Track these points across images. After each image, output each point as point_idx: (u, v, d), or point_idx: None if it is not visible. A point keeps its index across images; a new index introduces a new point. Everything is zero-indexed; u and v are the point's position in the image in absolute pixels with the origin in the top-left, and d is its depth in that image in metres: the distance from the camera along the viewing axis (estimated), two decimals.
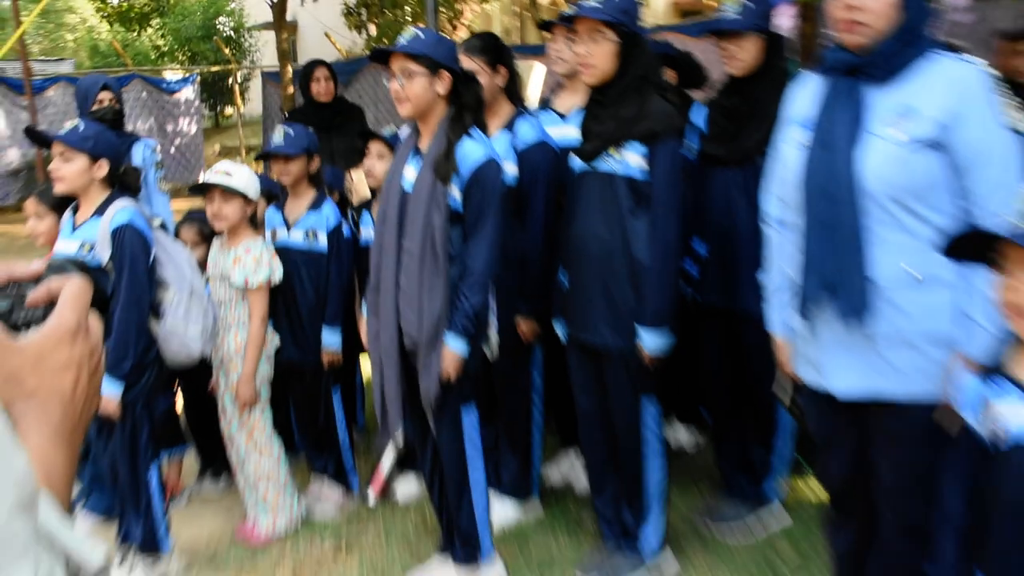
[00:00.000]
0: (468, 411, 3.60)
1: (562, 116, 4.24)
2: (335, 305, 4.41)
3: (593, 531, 4.00)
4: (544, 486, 4.56)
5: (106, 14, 23.85)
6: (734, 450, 4.21)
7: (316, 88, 6.73)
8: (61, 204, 3.95)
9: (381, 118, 11.30)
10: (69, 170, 3.73)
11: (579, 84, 3.90)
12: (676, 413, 4.96)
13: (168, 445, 4.59)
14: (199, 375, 4.49)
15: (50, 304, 0.94)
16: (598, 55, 3.41)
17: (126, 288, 3.69)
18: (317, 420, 4.59)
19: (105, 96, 5.39)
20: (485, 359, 3.73)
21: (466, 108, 3.48)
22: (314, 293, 4.38)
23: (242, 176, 4.12)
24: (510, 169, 3.90)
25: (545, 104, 4.50)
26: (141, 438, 3.85)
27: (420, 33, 3.47)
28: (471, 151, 3.39)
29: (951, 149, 2.53)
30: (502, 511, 4.26)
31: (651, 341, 3.42)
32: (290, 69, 13.36)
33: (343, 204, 4.59)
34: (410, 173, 3.50)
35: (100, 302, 1.01)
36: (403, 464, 4.63)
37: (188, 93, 15.93)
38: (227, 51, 21.16)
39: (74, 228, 3.79)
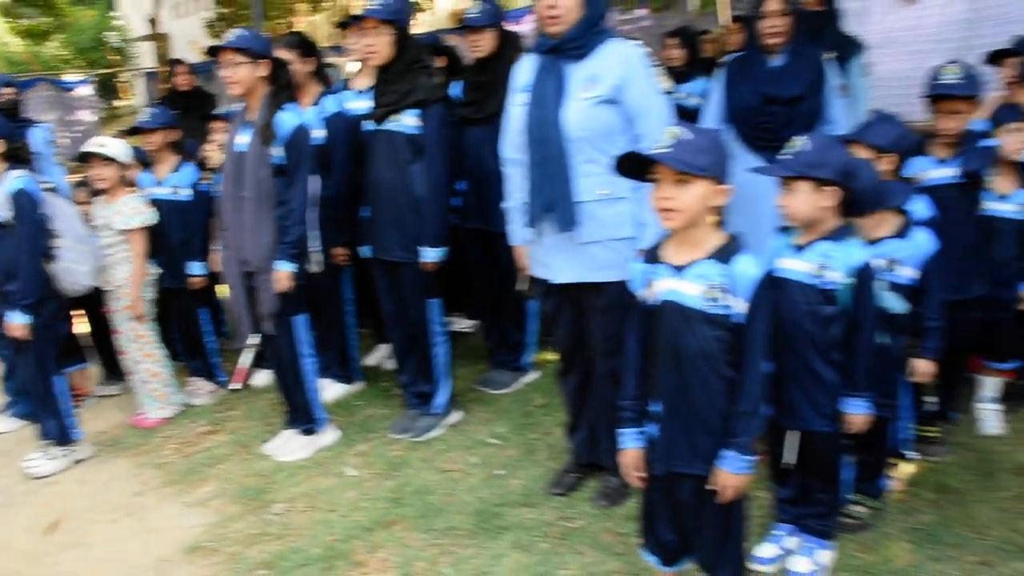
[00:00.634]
0: (299, 317, 3.76)
1: (360, 92, 4.35)
2: (198, 242, 4.51)
3: (401, 400, 4.23)
4: (364, 369, 4.76)
5: (17, 31, 26.04)
6: (497, 333, 4.52)
7: (177, 80, 7.29)
8: None
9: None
10: None
11: (369, 68, 4.05)
12: (455, 307, 5.15)
13: (71, 359, 4.57)
14: (97, 303, 4.57)
15: None
16: (380, 45, 3.59)
17: (25, 239, 3.76)
18: (190, 331, 4.72)
19: (8, 91, 5.79)
20: (310, 276, 3.87)
21: (282, 87, 3.61)
22: (181, 233, 4.47)
23: (114, 146, 4.24)
24: (318, 134, 4.02)
25: (345, 84, 4.62)
26: (47, 355, 3.92)
27: (242, 32, 3.57)
28: (287, 120, 3.54)
29: (624, 104, 2.87)
30: (333, 391, 4.46)
31: (431, 255, 3.68)
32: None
33: (201, 166, 4.66)
34: (242, 139, 3.61)
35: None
36: (258, 360, 4.77)
37: (86, 91, 15.99)
38: (116, 57, 21.91)
39: None
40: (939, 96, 3.17)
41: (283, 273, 3.56)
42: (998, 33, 9.00)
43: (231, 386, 4.77)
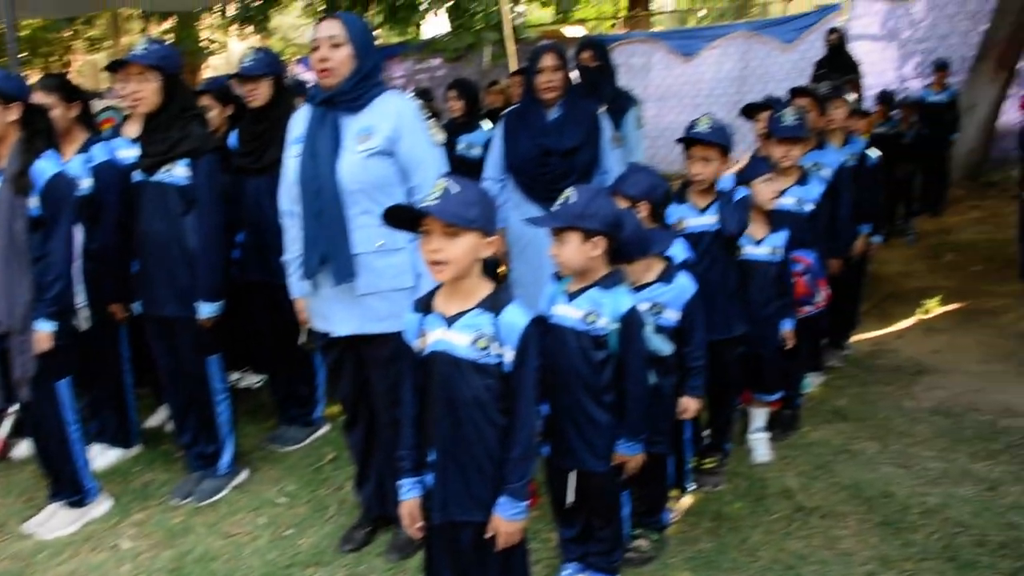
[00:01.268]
0: (61, 382, 3.51)
1: (133, 140, 4.14)
2: None
3: (183, 463, 4.02)
4: (144, 432, 4.47)
5: None
6: (285, 387, 4.41)
7: None
8: None
9: None
10: None
11: (138, 115, 3.88)
12: (241, 362, 5.00)
13: None
14: None
15: None
16: (146, 91, 3.44)
17: None
18: None
19: None
20: (80, 334, 3.62)
21: (36, 133, 3.38)
22: None
23: None
24: (85, 183, 3.80)
25: (116, 131, 4.40)
26: None
27: None
28: (44, 168, 3.32)
29: (398, 156, 2.91)
30: (108, 457, 4.17)
31: (207, 310, 3.54)
32: None
33: None
34: None
35: None
36: (17, 429, 4.37)
37: None
38: None
39: None
40: (692, 142, 3.41)
41: (42, 334, 3.31)
42: (763, 88, 9.94)
43: None
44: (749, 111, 4.56)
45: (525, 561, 2.46)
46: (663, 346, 2.97)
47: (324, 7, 11.50)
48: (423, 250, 2.23)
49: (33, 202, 3.29)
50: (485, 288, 2.29)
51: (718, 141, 3.35)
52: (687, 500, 3.53)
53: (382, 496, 3.30)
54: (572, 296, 2.71)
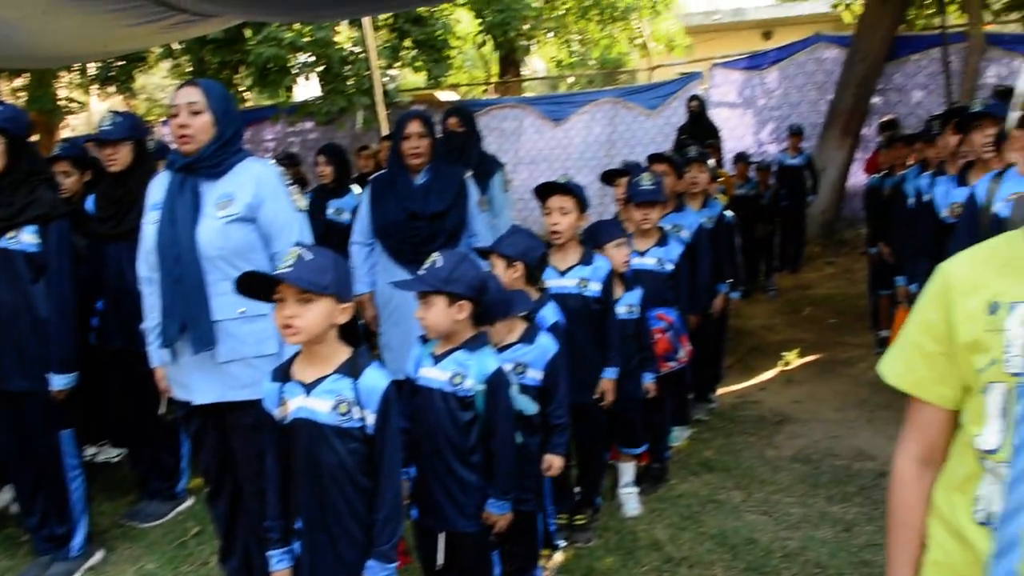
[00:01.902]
0: None
1: None
2: None
3: (30, 548, 3.80)
4: None
5: None
6: (147, 460, 4.26)
7: None
8: None
9: None
10: None
11: None
12: (99, 435, 4.82)
13: None
14: None
15: None
16: None
17: None
18: None
19: None
20: None
21: None
22: None
23: None
24: None
25: None
26: None
27: None
28: None
29: (259, 223, 2.91)
30: None
31: (60, 382, 3.41)
32: None
33: None
34: None
35: None
36: None
37: None
38: None
39: None
40: (548, 193, 3.53)
41: None
42: (630, 152, 10.36)
43: None
44: (608, 177, 4.75)
45: None
46: (528, 405, 3.03)
47: (191, 68, 11.37)
48: (277, 316, 2.25)
49: None
50: (343, 353, 2.31)
51: (574, 190, 3.49)
52: (559, 557, 3.58)
53: (248, 569, 3.22)
54: (438, 358, 2.76)
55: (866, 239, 7.04)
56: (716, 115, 10.46)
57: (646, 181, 4.05)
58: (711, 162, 5.63)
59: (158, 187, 3.02)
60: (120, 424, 4.34)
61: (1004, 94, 5.73)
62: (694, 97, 9.70)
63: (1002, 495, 1.36)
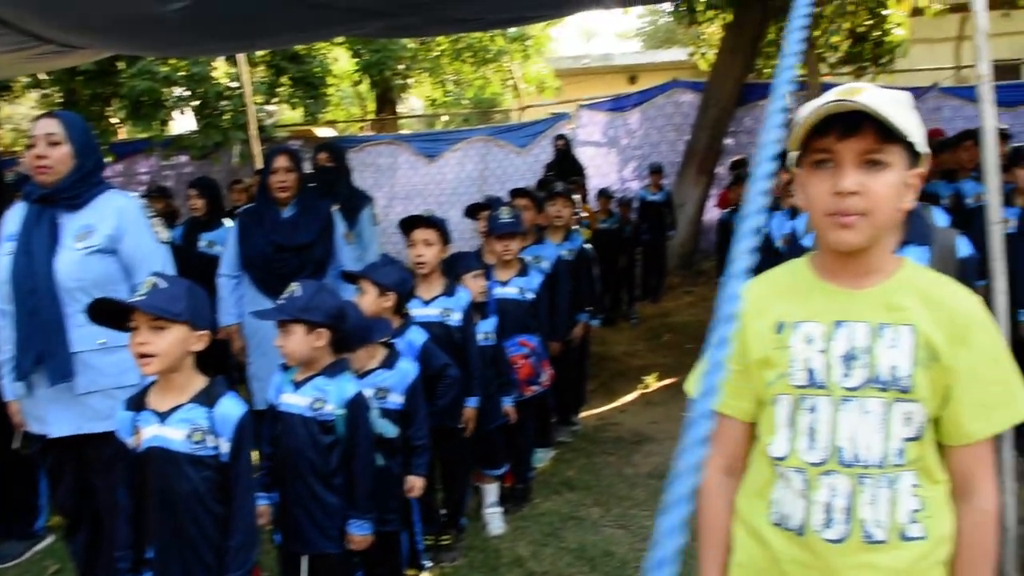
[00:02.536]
0: None
1: None
2: None
3: None
4: None
5: None
6: (2, 496, 4.06)
7: None
8: None
9: None
10: None
11: None
12: None
13: None
14: None
15: None
16: None
17: None
18: None
19: None
20: None
21: None
22: None
23: None
24: None
25: None
26: None
27: None
28: None
29: (120, 254, 2.88)
30: None
31: None
32: None
33: None
34: None
35: None
36: None
37: None
38: None
39: None
40: (412, 226, 3.62)
41: None
42: (502, 188, 10.52)
43: None
44: (471, 211, 4.87)
45: None
46: (388, 429, 3.08)
47: (61, 100, 10.96)
48: (131, 344, 2.24)
49: None
50: (199, 382, 2.32)
51: (437, 223, 3.59)
52: None
53: None
54: (299, 384, 2.78)
55: (718, 270, 7.34)
56: (582, 153, 10.78)
57: (505, 215, 4.18)
58: (574, 197, 5.83)
59: (13, 218, 2.95)
60: None
61: None
62: (560, 136, 9.99)
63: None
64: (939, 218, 2.48)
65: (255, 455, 2.45)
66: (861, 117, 1.36)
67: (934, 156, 6.56)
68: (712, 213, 10.49)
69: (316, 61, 11.56)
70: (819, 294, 1.50)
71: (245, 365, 4.25)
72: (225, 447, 2.26)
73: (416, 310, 3.56)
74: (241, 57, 7.83)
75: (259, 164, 7.83)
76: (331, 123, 15.55)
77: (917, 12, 11.94)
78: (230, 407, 2.28)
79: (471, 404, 3.67)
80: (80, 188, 2.88)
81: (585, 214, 7.61)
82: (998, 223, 2.65)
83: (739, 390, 1.57)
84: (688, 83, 11.59)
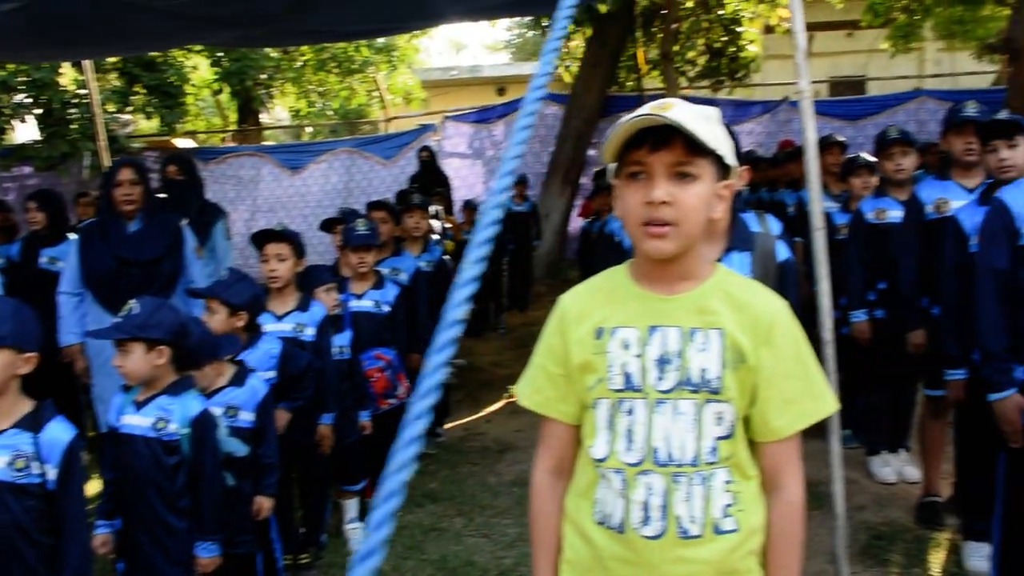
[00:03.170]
0: None
1: None
2: None
3: None
4: None
5: None
6: None
7: None
8: None
9: None
10: None
11: None
12: None
13: None
14: None
15: None
16: None
17: None
18: None
19: None
20: None
21: None
22: None
23: None
24: None
25: None
26: None
27: None
28: None
29: None
30: None
31: None
32: None
33: None
34: None
35: None
36: None
37: None
38: None
39: None
40: (265, 241, 3.59)
41: None
42: (367, 199, 10.40)
43: None
44: (327, 225, 4.83)
45: None
46: (238, 447, 3.02)
47: None
48: None
49: None
50: (25, 406, 2.22)
51: (289, 237, 3.55)
52: None
53: None
54: (140, 405, 2.70)
55: (580, 278, 7.44)
56: (448, 165, 10.83)
57: (360, 227, 4.16)
58: (433, 208, 5.85)
59: None
60: None
61: None
62: (424, 148, 10.01)
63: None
64: (773, 226, 2.61)
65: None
66: (671, 131, 1.43)
67: (782, 166, 6.96)
68: (577, 223, 10.72)
69: (172, 69, 11.19)
70: (636, 300, 1.57)
71: (89, 387, 4.08)
72: (52, 474, 2.16)
73: (269, 325, 3.51)
74: (87, 63, 7.48)
75: None
76: (191, 134, 15.07)
77: (769, 30, 12.59)
78: (58, 432, 2.18)
79: (326, 421, 3.64)
80: None
81: (449, 225, 7.64)
82: (820, 229, 2.83)
83: (563, 394, 1.63)
84: (552, 95, 11.81)
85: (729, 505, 1.52)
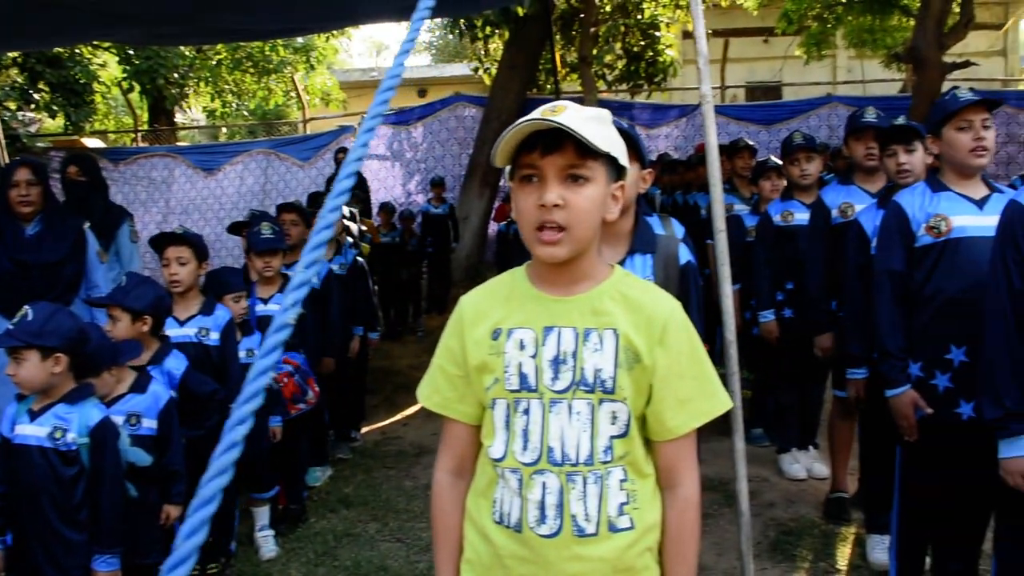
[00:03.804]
0: None
1: None
2: None
3: None
4: None
5: None
6: None
7: None
8: None
9: None
10: None
11: None
12: None
13: None
14: None
15: None
16: None
17: None
18: None
19: None
20: None
21: None
22: None
23: None
24: None
25: None
26: None
27: None
28: None
29: None
30: None
31: None
32: None
33: None
34: None
35: None
36: None
37: None
38: None
39: None
40: (165, 244, 3.53)
41: None
42: (284, 201, 10.31)
43: None
44: (234, 228, 4.75)
45: None
46: (141, 457, 2.95)
47: None
48: None
49: None
50: None
51: (190, 240, 3.49)
52: None
53: None
54: (36, 414, 2.62)
55: None
56: (367, 167, 10.75)
57: (265, 231, 4.10)
58: (348, 210, 5.80)
59: None
60: None
61: None
62: (341, 149, 9.92)
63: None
64: (677, 229, 2.67)
65: None
66: (563, 135, 1.45)
67: (696, 169, 7.11)
68: (497, 225, 10.76)
69: (79, 66, 10.85)
70: (532, 301, 1.60)
71: None
72: None
73: (171, 331, 3.43)
74: None
75: None
76: (100, 133, 14.63)
77: (687, 35, 12.82)
78: None
79: None
80: None
81: (365, 228, 7.59)
82: (722, 231, 2.91)
83: (462, 395, 1.64)
84: (471, 97, 11.84)
85: (625, 503, 1.55)
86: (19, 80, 10.46)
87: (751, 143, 6.14)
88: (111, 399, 2.90)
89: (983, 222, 2.75)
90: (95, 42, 10.13)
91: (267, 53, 14.26)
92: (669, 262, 2.42)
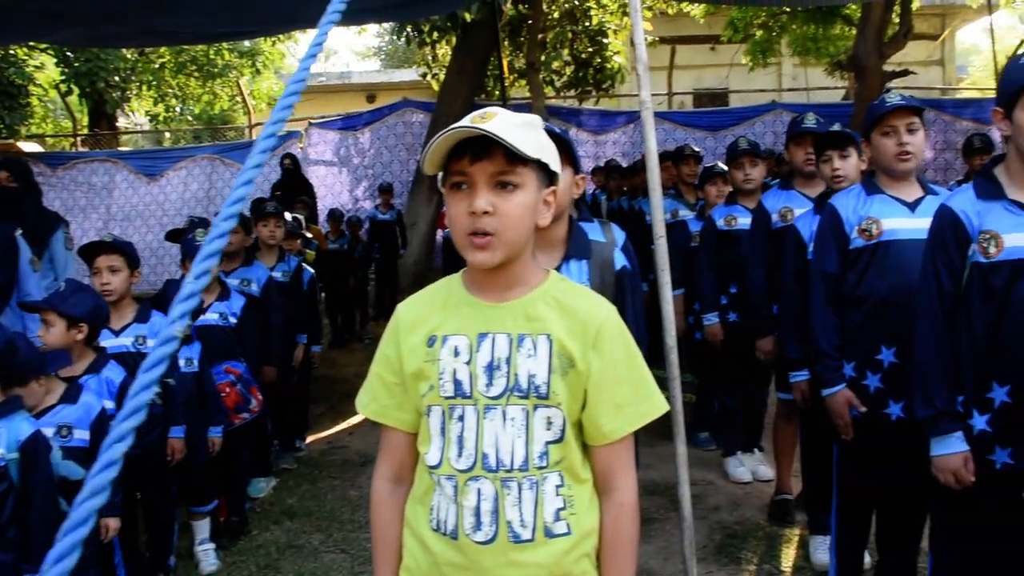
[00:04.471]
0: None
1: None
2: None
3: None
4: None
5: None
6: None
7: None
8: None
9: None
10: None
11: None
12: None
13: None
14: None
15: None
16: None
17: None
18: None
19: None
20: None
21: None
22: None
23: None
24: None
25: None
26: None
27: None
28: None
29: None
30: None
31: None
32: None
33: None
34: None
35: None
36: None
37: None
38: None
39: None
40: (96, 252, 3.45)
41: None
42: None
43: None
44: (172, 236, 4.67)
45: None
46: (74, 470, 2.88)
47: None
48: None
49: None
50: None
51: (122, 248, 3.43)
52: None
53: None
54: None
55: None
56: (313, 173, 10.68)
57: (200, 238, 4.04)
58: (288, 216, 5.72)
59: None
60: None
61: None
62: (287, 155, 9.83)
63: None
64: (618, 235, 2.68)
65: None
66: (492, 142, 1.45)
67: (641, 175, 7.17)
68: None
69: (14, 68, 10.60)
70: (467, 308, 1.60)
71: None
72: None
73: (107, 341, 3.36)
74: None
75: None
76: (37, 137, 14.30)
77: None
78: None
79: (176, 435, 3.52)
80: None
81: (311, 235, 7.52)
82: (662, 237, 2.93)
83: (400, 403, 1.64)
84: (419, 103, 11.82)
85: (561, 509, 1.55)
86: None
87: (697, 150, 6.22)
88: (40, 411, 2.83)
89: (914, 224, 2.82)
90: (31, 43, 9.90)
91: (212, 57, 14.10)
92: (605, 267, 2.44)
